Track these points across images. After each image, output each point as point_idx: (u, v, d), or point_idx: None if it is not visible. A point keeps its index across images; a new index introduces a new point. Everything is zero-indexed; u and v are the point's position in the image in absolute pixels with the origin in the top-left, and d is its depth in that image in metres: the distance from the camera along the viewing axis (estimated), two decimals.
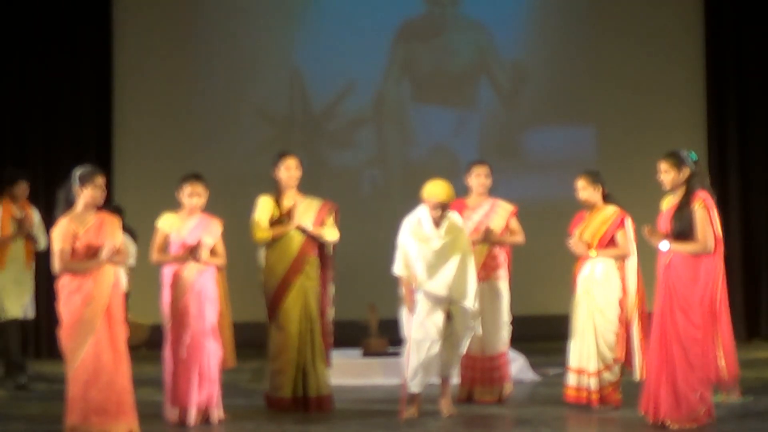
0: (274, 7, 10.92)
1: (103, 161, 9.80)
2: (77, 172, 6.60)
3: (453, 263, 7.03)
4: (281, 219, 7.39)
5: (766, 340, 10.70)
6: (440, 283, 7.01)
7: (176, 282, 6.98)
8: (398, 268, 7.12)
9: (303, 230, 7.36)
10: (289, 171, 7.40)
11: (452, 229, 7.09)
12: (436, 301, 7.03)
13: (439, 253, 7.02)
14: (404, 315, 7.13)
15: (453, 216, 7.17)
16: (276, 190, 7.47)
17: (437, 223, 7.08)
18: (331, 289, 7.57)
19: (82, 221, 6.53)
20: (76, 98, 10.44)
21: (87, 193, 6.53)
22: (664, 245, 6.59)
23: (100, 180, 6.60)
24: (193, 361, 6.92)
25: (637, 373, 7.21)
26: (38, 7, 10.42)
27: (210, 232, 7.08)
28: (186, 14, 10.91)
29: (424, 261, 7.01)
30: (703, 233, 6.47)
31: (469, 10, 11.06)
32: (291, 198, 7.43)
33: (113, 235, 6.57)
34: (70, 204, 6.59)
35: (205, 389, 6.94)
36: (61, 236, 6.48)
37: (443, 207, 7.03)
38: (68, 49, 10.43)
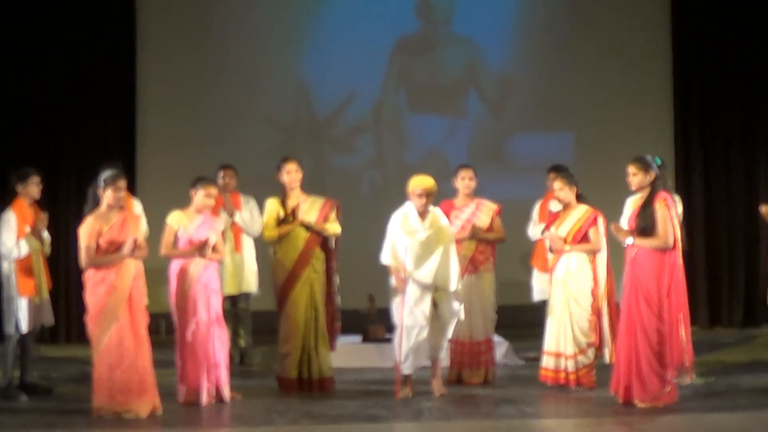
0: (281, 24, 10.93)
1: (127, 164, 9.92)
2: (102, 174, 6.82)
3: (437, 254, 7.16)
4: (287, 218, 7.60)
5: (727, 327, 10.89)
6: (427, 272, 7.15)
7: (184, 275, 7.09)
8: (386, 258, 7.26)
9: (307, 226, 7.57)
10: (290, 174, 7.63)
11: (435, 222, 7.24)
12: (424, 288, 7.17)
13: (425, 244, 7.15)
14: (395, 303, 7.28)
15: (436, 210, 7.32)
16: (282, 192, 7.72)
17: (422, 215, 7.22)
18: (337, 279, 7.74)
19: (106, 219, 6.74)
20: (101, 107, 10.61)
21: (109, 195, 6.75)
22: (629, 240, 6.81)
23: (122, 183, 6.78)
24: (201, 346, 7.06)
25: (607, 356, 7.47)
26: (64, 20, 10.48)
27: (215, 230, 7.21)
28: (202, 31, 10.93)
29: (411, 253, 7.14)
30: (664, 230, 6.71)
31: (460, 28, 11.15)
32: (295, 198, 7.64)
33: (135, 232, 6.78)
34: (96, 203, 6.82)
35: (213, 371, 7.11)
36: (87, 234, 6.70)
37: (428, 195, 7.17)
38: (93, 68, 10.56)
